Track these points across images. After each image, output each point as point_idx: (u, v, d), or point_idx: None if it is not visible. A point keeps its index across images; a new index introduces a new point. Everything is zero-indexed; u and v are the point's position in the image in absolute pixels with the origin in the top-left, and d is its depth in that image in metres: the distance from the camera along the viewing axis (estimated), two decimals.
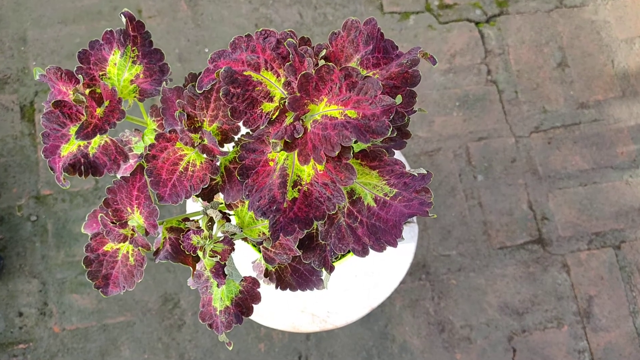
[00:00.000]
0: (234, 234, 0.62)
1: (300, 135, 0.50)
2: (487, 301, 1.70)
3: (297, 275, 0.69)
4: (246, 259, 0.89)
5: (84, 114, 0.61)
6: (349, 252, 0.60)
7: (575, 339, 1.67)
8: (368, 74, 0.49)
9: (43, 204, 1.75)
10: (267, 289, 0.76)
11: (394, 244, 0.56)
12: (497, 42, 1.86)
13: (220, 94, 0.51)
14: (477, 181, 1.76)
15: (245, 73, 0.53)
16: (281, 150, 0.51)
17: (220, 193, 0.63)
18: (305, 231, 0.53)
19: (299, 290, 0.69)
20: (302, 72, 0.49)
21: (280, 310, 1.04)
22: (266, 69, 0.54)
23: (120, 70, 0.65)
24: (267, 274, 0.70)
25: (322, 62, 0.51)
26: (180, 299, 1.67)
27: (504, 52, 1.86)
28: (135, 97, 0.65)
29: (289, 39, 0.51)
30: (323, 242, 0.57)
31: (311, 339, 1.61)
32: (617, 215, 1.75)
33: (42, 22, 1.88)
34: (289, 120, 0.51)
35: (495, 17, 1.89)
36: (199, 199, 0.66)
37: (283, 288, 0.70)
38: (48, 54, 1.85)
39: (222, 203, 0.67)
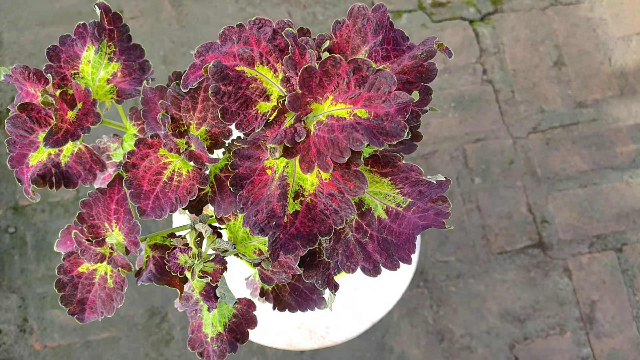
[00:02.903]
0: (226, 250, 0.55)
1: (302, 139, 0.43)
2: (487, 308, 1.64)
3: (296, 294, 0.62)
4: (238, 275, 0.81)
5: (53, 117, 0.53)
6: None
7: (579, 345, 1.62)
8: (379, 68, 0.42)
9: (21, 215, 1.67)
10: (259, 303, 0.69)
11: (408, 261, 0.50)
12: (492, 40, 1.81)
13: (209, 92, 0.44)
14: (475, 184, 1.71)
15: (237, 68, 0.46)
16: (280, 156, 0.44)
17: (210, 205, 0.56)
18: (308, 248, 0.46)
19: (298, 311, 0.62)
20: (304, 66, 0.42)
21: (275, 326, 0.97)
22: (261, 63, 0.47)
23: (95, 68, 0.57)
24: (263, 293, 0.63)
25: (325, 55, 0.44)
26: (167, 313, 1.59)
27: (499, 51, 1.81)
28: (112, 98, 0.58)
29: (287, 29, 0.45)
30: (328, 260, 0.50)
31: (306, 352, 1.53)
32: (618, 217, 1.70)
33: (19, 24, 1.80)
34: (288, 121, 0.44)
35: (490, 15, 1.84)
36: (187, 211, 0.59)
37: (281, 309, 0.63)
38: (25, 57, 1.77)
39: (212, 216, 0.60)
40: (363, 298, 0.98)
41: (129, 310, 1.59)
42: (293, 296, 0.62)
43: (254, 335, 0.98)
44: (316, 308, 0.63)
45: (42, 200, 1.68)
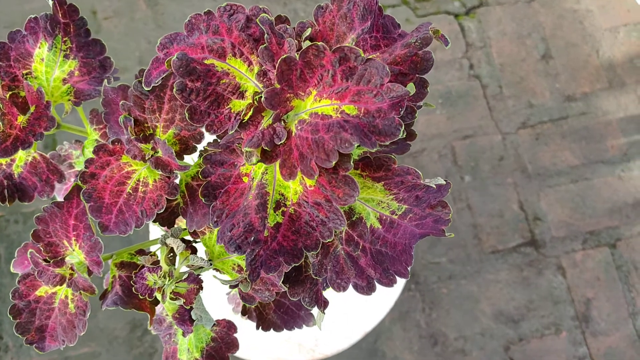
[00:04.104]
0: (201, 267, 0.49)
1: (282, 141, 0.37)
2: (480, 309, 1.60)
3: (281, 311, 0.56)
4: (219, 288, 0.75)
5: (0, 123, 0.47)
6: None
7: (575, 345, 1.59)
8: (369, 57, 0.37)
9: None
10: (243, 319, 0.64)
11: (405, 274, 0.44)
12: (478, 34, 1.77)
13: (174, 90, 0.38)
14: (465, 182, 1.66)
15: (206, 62, 0.40)
16: (258, 161, 0.38)
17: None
18: (293, 265, 0.40)
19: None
20: (282, 57, 0.36)
21: (261, 340, 0.91)
22: (234, 55, 0.41)
23: (49, 67, 0.51)
24: (245, 311, 0.57)
25: (307, 44, 0.38)
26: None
27: (486, 45, 1.77)
28: (69, 100, 0.52)
29: (262, 15, 0.39)
30: (315, 277, 0.44)
31: None
32: (610, 212, 1.67)
33: None
34: (266, 121, 0.38)
35: (475, 9, 1.80)
36: (157, 224, 0.53)
37: (265, 328, 0.57)
38: None
39: (185, 228, 0.54)
40: (354, 307, 0.93)
41: (108, 323, 1.52)
42: (278, 314, 0.57)
43: (239, 350, 0.92)
44: (304, 326, 0.58)
45: (15, 211, 1.60)
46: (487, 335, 1.57)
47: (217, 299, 0.73)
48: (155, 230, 0.92)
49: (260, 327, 0.57)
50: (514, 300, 1.59)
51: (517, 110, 1.71)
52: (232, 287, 0.48)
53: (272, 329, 0.58)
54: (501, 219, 1.64)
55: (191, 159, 0.58)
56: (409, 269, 0.45)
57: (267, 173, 0.40)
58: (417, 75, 0.42)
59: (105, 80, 0.52)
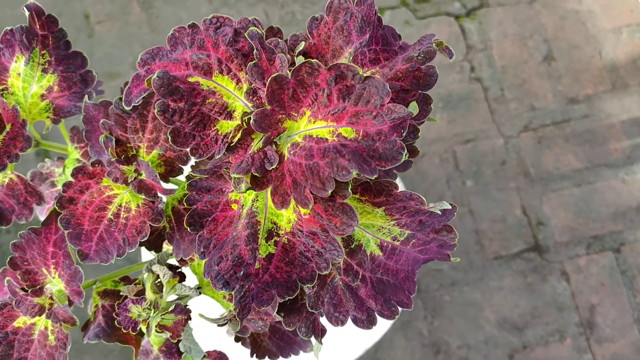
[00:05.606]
0: (188, 296, 0.46)
1: (273, 167, 0.34)
2: (484, 317, 1.57)
3: (277, 337, 0.53)
4: (212, 308, 0.72)
5: None
6: None
7: (580, 352, 1.56)
8: (367, 74, 0.33)
9: None
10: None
11: (409, 304, 0.41)
12: (479, 36, 1.74)
13: (156, 111, 0.35)
14: (467, 187, 1.63)
15: (190, 79, 0.37)
16: (248, 188, 0.35)
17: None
18: (288, 298, 0.37)
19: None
20: (273, 75, 0.33)
21: None
22: (221, 72, 0.38)
23: (27, 82, 0.48)
24: (238, 339, 0.54)
25: (300, 60, 0.35)
26: None
27: (487, 47, 1.73)
28: (49, 117, 0.48)
29: (251, 28, 0.35)
30: (311, 310, 0.41)
31: None
32: (614, 216, 1.64)
33: None
34: (256, 144, 0.35)
35: (476, 10, 1.77)
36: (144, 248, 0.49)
37: (260, 356, 0.54)
38: None
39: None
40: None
41: None
42: (273, 340, 0.53)
43: None
44: (301, 352, 0.54)
45: None
46: (491, 344, 1.54)
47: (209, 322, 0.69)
48: (147, 252, 0.88)
49: (255, 355, 0.54)
50: (518, 307, 1.56)
51: (519, 113, 1.68)
52: (220, 325, 0.45)
53: (267, 357, 0.54)
54: (504, 224, 1.60)
55: (184, 177, 0.55)
56: (412, 297, 0.42)
57: (257, 200, 0.37)
58: (419, 91, 0.38)
59: (87, 95, 0.49)
